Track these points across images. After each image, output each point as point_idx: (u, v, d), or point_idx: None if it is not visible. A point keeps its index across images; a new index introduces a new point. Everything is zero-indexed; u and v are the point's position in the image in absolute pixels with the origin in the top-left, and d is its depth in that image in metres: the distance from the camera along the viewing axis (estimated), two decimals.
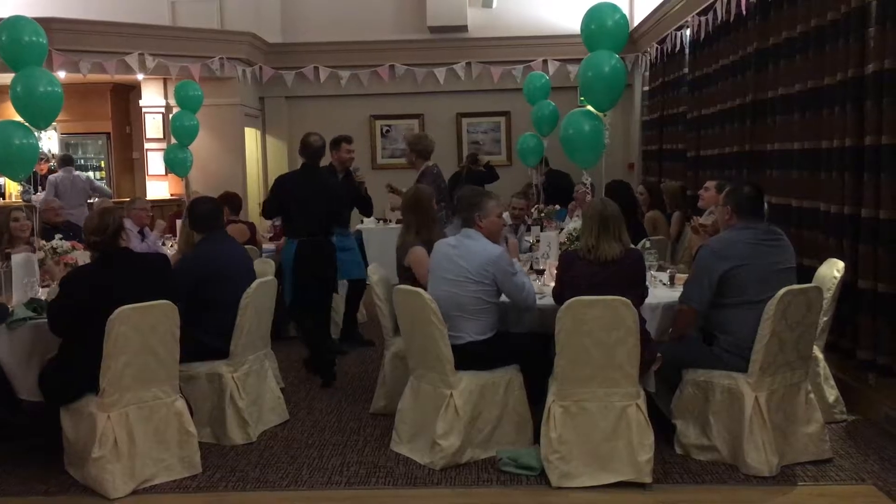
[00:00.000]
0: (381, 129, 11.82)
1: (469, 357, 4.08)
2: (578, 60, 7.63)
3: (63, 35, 8.95)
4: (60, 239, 5.16)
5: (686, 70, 8.53)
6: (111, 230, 3.96)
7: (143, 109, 10.77)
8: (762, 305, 3.80)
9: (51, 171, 10.44)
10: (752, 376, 3.86)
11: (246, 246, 5.79)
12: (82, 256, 4.91)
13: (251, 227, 7.07)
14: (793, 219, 5.54)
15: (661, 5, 9.17)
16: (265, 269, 5.13)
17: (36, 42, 5.45)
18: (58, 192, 8.96)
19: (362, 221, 8.93)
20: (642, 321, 3.92)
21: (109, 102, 10.98)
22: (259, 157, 11.73)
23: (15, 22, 5.43)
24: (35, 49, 5.46)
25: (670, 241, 6.92)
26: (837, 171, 4.95)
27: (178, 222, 6.66)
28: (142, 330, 3.82)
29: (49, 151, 11.24)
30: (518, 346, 4.25)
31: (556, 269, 4.26)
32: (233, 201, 6.87)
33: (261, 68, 11.00)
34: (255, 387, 4.64)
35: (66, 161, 9.60)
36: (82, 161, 11.30)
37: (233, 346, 4.46)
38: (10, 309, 4.25)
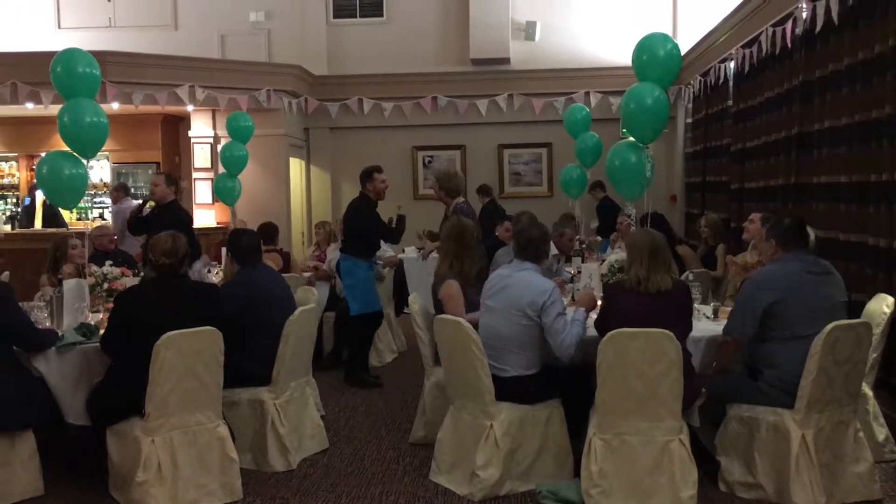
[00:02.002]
0: (424, 160, 11.93)
1: (513, 391, 4.06)
2: (620, 92, 7.62)
3: (117, 68, 9.23)
4: (111, 265, 5.28)
5: (730, 102, 8.49)
6: (181, 254, 4.12)
7: (192, 140, 11.01)
8: (809, 340, 3.73)
9: None
10: (798, 413, 3.79)
11: (285, 275, 5.92)
12: (131, 283, 5.01)
13: (285, 255, 7.24)
14: (840, 253, 5.45)
15: (704, 38, 9.17)
16: (307, 297, 5.18)
17: (89, 73, 5.61)
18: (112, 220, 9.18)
19: (403, 251, 8.98)
20: (686, 354, 3.87)
21: (160, 133, 11.24)
22: (303, 187, 11.91)
23: (70, 54, 5.61)
24: (88, 80, 5.62)
25: (714, 274, 6.83)
26: (886, 205, 4.87)
27: (224, 250, 6.78)
28: (187, 355, 3.88)
29: (101, 181, 11.55)
30: (561, 379, 4.20)
31: (602, 300, 4.23)
32: (266, 231, 7.06)
33: (306, 100, 11.20)
34: (296, 414, 4.67)
35: (122, 190, 9.83)
36: (133, 189, 11.55)
37: (275, 373, 4.51)
38: (61, 333, 4.35)
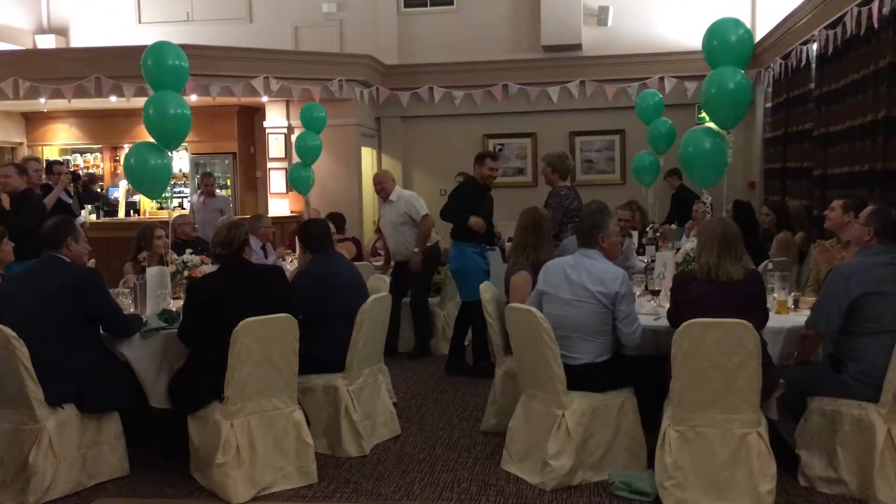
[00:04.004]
0: (494, 148, 11.87)
1: (584, 378, 4.04)
2: (695, 77, 7.42)
3: (195, 60, 9.28)
4: (191, 254, 5.43)
5: (812, 85, 8.21)
6: (237, 244, 4.22)
7: (267, 130, 11.19)
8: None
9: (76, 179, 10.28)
10: (884, 407, 3.66)
11: (356, 263, 6.00)
12: (210, 271, 5.14)
13: (356, 243, 7.32)
14: None
15: (785, 20, 8.88)
16: (379, 286, 5.24)
17: (178, 66, 5.74)
18: (193, 210, 9.42)
19: None
20: (764, 345, 3.77)
21: (236, 124, 11.47)
22: None
23: (159, 47, 5.75)
24: (177, 73, 5.75)
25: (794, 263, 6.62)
26: None
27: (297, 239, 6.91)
28: (263, 341, 3.97)
29: (180, 171, 11.85)
30: (633, 369, 4.16)
31: (671, 289, 4.16)
32: (334, 220, 7.15)
33: (377, 89, 11.28)
34: (369, 401, 4.73)
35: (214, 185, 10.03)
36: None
37: (348, 360, 4.57)
38: (144, 319, 4.50)
